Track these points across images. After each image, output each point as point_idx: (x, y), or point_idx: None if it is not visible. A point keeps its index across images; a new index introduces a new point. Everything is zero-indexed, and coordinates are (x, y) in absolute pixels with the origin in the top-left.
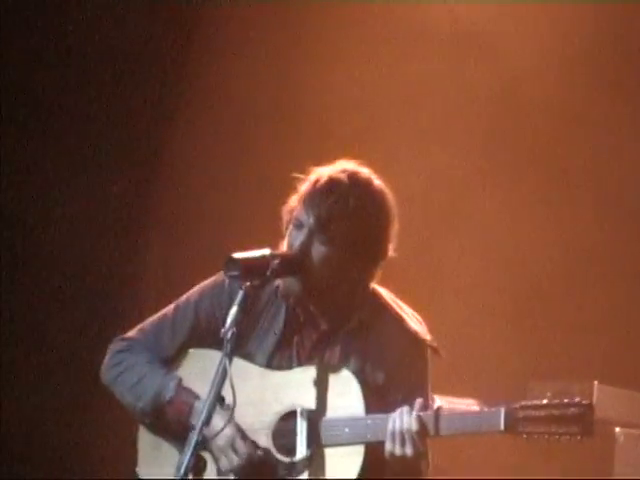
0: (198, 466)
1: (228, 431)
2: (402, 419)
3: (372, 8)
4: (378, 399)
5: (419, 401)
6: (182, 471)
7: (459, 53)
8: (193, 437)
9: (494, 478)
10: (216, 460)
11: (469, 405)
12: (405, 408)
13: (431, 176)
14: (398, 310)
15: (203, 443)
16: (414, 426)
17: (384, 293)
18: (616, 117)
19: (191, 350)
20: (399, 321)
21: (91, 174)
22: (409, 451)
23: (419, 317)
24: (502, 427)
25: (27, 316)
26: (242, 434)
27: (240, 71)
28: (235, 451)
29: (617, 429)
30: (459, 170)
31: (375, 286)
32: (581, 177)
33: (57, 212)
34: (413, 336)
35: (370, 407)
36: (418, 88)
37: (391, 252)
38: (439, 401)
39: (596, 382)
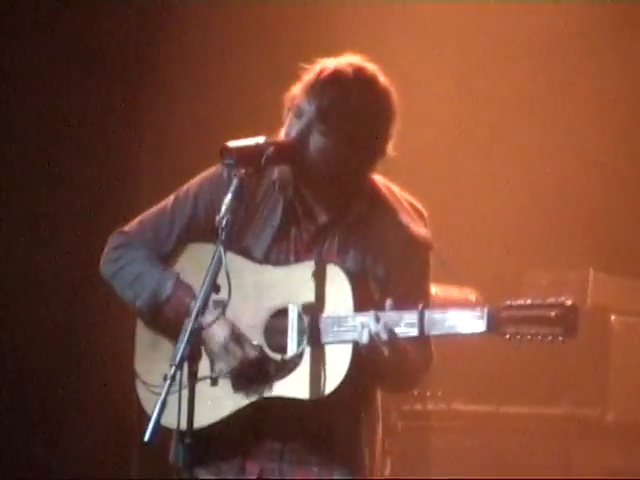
0: (194, 355)
1: (222, 332)
2: (370, 325)
3: None
4: (379, 293)
5: (389, 302)
6: (177, 359)
7: None
8: (188, 325)
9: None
10: (211, 363)
11: (466, 295)
12: (373, 314)
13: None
14: (396, 205)
15: (198, 331)
16: (383, 334)
17: (384, 186)
18: None
19: (189, 244)
20: (396, 216)
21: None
22: (387, 352)
23: (421, 208)
24: (484, 328)
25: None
26: (236, 336)
27: None
28: (229, 353)
29: (613, 316)
30: None
31: (377, 178)
32: None
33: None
34: (410, 234)
35: (367, 302)
36: None
37: (390, 151)
38: (434, 289)
39: (592, 269)
